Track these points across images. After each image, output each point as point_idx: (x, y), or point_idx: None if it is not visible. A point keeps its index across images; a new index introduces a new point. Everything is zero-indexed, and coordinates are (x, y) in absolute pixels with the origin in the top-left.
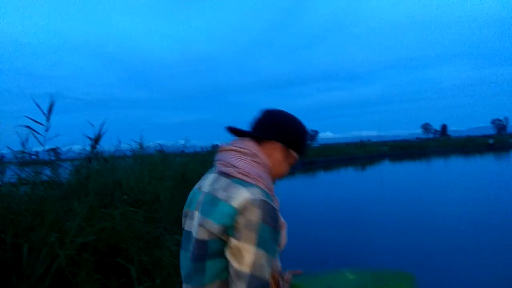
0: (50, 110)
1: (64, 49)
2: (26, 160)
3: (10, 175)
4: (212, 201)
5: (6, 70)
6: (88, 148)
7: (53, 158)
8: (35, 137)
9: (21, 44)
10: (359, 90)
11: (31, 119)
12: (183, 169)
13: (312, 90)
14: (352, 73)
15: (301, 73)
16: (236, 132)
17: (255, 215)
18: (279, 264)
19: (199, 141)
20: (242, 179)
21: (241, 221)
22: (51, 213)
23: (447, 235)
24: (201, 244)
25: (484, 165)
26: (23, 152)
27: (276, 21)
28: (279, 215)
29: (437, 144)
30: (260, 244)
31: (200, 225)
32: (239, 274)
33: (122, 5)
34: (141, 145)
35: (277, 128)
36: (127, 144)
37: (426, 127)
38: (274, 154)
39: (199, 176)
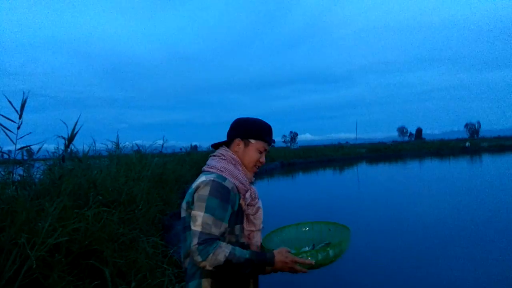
0: (22, 107)
1: (37, 46)
2: None
3: None
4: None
5: None
6: (61, 147)
7: (25, 157)
8: (7, 135)
9: None
10: (338, 92)
11: (2, 115)
12: (160, 169)
13: (291, 91)
14: (331, 76)
15: (281, 75)
16: (215, 145)
17: (204, 190)
18: (259, 239)
19: (178, 142)
20: (207, 171)
21: (195, 196)
22: (22, 213)
23: (427, 235)
24: (182, 220)
25: (461, 167)
26: None
27: (256, 22)
28: (230, 192)
29: (412, 147)
30: (208, 210)
31: (181, 207)
32: (194, 233)
33: (100, 3)
34: (117, 144)
35: (234, 129)
36: (102, 144)
37: (402, 130)
38: (238, 148)
39: (177, 177)
